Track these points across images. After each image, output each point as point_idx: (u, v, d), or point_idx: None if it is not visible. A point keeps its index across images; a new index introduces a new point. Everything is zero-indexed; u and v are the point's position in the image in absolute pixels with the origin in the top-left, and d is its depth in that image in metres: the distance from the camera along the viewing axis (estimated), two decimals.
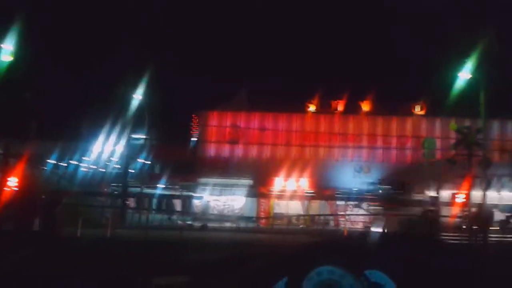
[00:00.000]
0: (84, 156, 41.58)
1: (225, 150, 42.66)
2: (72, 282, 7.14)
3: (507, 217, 27.51)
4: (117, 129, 36.22)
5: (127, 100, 32.26)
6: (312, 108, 43.05)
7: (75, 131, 40.37)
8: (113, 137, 38.73)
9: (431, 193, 31.81)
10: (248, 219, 33.04)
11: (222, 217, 32.90)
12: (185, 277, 3.37)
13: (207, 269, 3.47)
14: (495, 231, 26.31)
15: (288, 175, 37.31)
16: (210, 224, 30.23)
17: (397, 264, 2.73)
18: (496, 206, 29.76)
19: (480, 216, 23.14)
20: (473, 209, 24.08)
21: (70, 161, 40.16)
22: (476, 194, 24.46)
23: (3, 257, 10.50)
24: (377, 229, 30.65)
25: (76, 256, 10.31)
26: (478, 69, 25.00)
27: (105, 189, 37.80)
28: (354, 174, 41.15)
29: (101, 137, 39.36)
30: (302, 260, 2.84)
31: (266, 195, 36.41)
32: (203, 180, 38.15)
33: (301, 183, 37.30)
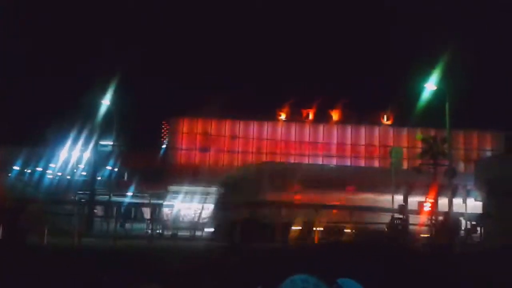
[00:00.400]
0: (50, 163, 40.58)
1: (196, 157, 42.40)
2: None
3: (473, 225, 28.16)
4: (84, 135, 35.58)
5: (95, 105, 31.72)
6: (283, 116, 43.33)
7: (41, 137, 39.42)
8: (80, 143, 38.00)
9: (400, 201, 32.31)
10: None
11: (192, 225, 32.52)
12: (158, 286, 3.32)
13: (179, 279, 3.42)
14: (462, 239, 26.93)
15: None
16: (180, 233, 29.85)
17: (370, 272, 2.76)
18: (462, 214, 30.50)
19: (447, 224, 23.66)
20: (440, 217, 24.60)
21: (36, 168, 39.10)
22: (443, 203, 25.04)
23: None
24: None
25: (43, 265, 10.03)
26: (443, 81, 25.76)
27: (72, 197, 36.93)
28: None
29: (68, 143, 38.55)
30: (276, 268, 2.84)
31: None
32: (173, 187, 37.76)
33: None
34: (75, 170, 41.52)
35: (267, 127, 43.13)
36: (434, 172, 24.76)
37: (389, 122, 43.34)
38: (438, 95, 26.50)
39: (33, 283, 7.68)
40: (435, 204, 24.73)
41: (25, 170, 39.12)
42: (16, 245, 17.30)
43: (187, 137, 42.55)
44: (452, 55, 26.80)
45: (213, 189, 36.70)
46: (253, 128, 42.97)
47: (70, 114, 35.96)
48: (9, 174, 36.10)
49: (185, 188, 36.22)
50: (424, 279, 2.33)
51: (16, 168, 37.80)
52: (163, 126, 45.69)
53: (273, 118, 43.24)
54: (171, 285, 3.36)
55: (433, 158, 25.06)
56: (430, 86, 26.40)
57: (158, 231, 29.95)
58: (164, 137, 45.23)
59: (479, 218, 27.93)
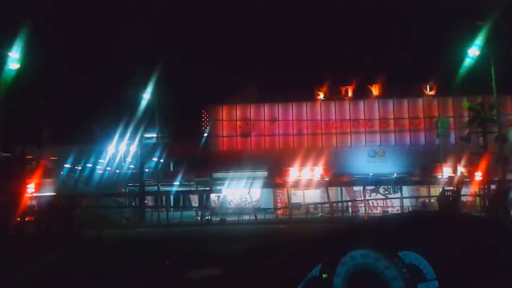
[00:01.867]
0: (99, 158, 41.96)
1: (237, 143, 42.74)
2: (101, 283, 7.23)
3: None
4: (129, 129, 36.51)
5: (137, 100, 32.48)
6: (321, 95, 42.86)
7: (88, 134, 40.71)
8: (126, 138, 39.05)
9: (449, 172, 31.60)
10: (265, 210, 33.10)
11: (239, 210, 33.00)
12: (217, 270, 3.40)
13: (237, 261, 3.50)
14: None
15: (303, 164, 37.26)
16: (229, 218, 30.38)
17: (429, 243, 2.72)
18: None
19: (499, 192, 22.93)
20: (492, 187, 23.88)
21: (86, 164, 40.56)
22: (494, 171, 24.27)
23: (26, 261, 10.68)
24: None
25: (102, 257, 10.46)
26: (487, 45, 24.70)
27: (122, 190, 38.16)
28: (369, 159, 41.02)
29: (114, 138, 39.69)
30: (335, 246, 2.84)
31: (282, 186, 36.43)
32: (218, 174, 38.31)
33: (316, 171, 37.22)
34: (123, 164, 42.76)
35: (306, 108, 42.83)
36: (483, 140, 23.97)
37: (432, 93, 42.01)
38: (482, 61, 25.46)
39: (94, 275, 8.01)
40: (486, 173, 23.96)
41: (76, 168, 40.64)
42: (74, 239, 18.10)
43: (227, 124, 42.89)
44: (495, 16, 25.57)
45: (258, 173, 37.06)
46: (292, 109, 42.78)
47: (114, 110, 36.89)
48: (61, 172, 37.60)
49: (229, 174, 36.67)
50: (482, 248, 2.30)
51: (67, 166, 39.30)
52: (203, 115, 46.09)
53: (312, 98, 42.84)
54: (228, 268, 3.43)
55: (481, 126, 24.23)
56: (474, 51, 25.40)
57: (207, 217, 30.61)
58: (205, 125, 45.68)
59: None
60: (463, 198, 29.15)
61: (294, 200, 36.65)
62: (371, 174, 38.13)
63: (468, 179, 28.83)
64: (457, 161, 31.76)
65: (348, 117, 42.08)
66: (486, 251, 2.70)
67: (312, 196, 36.75)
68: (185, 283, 3.48)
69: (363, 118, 41.91)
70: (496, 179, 23.93)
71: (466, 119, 30.92)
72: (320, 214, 32.84)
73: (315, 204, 35.38)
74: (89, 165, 40.99)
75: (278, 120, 42.36)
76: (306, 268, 2.79)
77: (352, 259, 2.78)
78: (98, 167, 42.22)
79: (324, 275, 2.80)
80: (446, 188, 26.46)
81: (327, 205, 33.72)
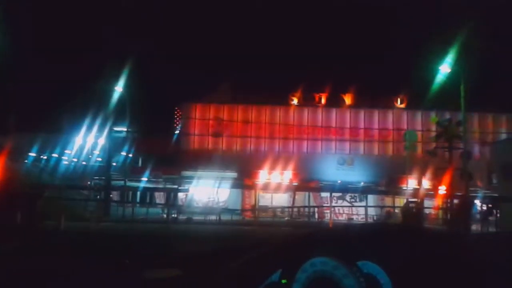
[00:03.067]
0: (65, 149, 41.09)
1: (209, 142, 42.59)
2: (58, 277, 7.07)
3: (489, 208, 28.00)
4: (98, 121, 35.89)
5: (109, 92, 31.95)
6: (295, 100, 43.18)
7: (56, 124, 39.84)
8: (94, 130, 38.37)
9: (414, 184, 32.31)
10: (232, 211, 33.07)
11: (206, 210, 32.85)
12: (177, 270, 3.38)
13: (198, 262, 3.48)
14: (477, 222, 26.85)
15: (273, 168, 37.44)
16: (195, 217, 30.19)
17: (388, 254, 2.78)
18: (476, 197, 30.34)
19: (461, 207, 23.57)
20: (455, 201, 24.51)
21: (52, 154, 39.65)
22: (457, 186, 24.90)
23: None
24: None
25: (61, 250, 10.23)
26: (458, 63, 25.41)
27: (88, 183, 37.45)
28: (338, 167, 41.54)
29: (82, 130, 38.96)
30: (296, 252, 2.87)
31: (250, 188, 36.49)
32: (187, 173, 38.07)
33: (286, 175, 37.46)
34: (90, 156, 42.00)
35: (279, 112, 43.05)
36: (449, 155, 24.58)
37: (403, 106, 42.95)
38: (452, 77, 26.15)
39: (50, 268, 7.84)
40: (449, 187, 24.58)
41: (41, 157, 39.68)
42: (33, 231, 17.63)
43: (200, 123, 42.69)
44: (467, 36, 26.35)
45: (227, 174, 37.01)
46: (266, 112, 42.93)
47: (84, 101, 36.25)
48: (26, 161, 36.65)
49: (199, 173, 36.49)
50: (440, 261, 2.35)
51: (32, 154, 38.34)
52: (176, 112, 45.76)
53: (286, 103, 43.11)
54: (189, 269, 3.41)
55: (448, 141, 24.85)
56: (445, 68, 26.08)
57: (173, 215, 30.35)
58: (177, 122, 45.35)
59: (495, 201, 27.76)
60: (426, 211, 29.86)
61: (262, 202, 36.77)
62: (339, 181, 38.65)
63: (432, 192, 29.54)
64: (422, 174, 32.52)
65: (319, 124, 42.51)
66: (444, 264, 2.78)
67: (280, 199, 36.95)
68: (142, 283, 3.45)
69: (334, 126, 42.42)
70: (459, 193, 24.56)
71: (434, 133, 31.68)
72: (286, 218, 33.02)
73: (282, 207, 35.58)
74: (55, 155, 40.09)
75: (251, 122, 42.43)
76: (266, 273, 2.81)
77: (312, 266, 2.82)
78: (64, 158, 41.35)
79: (283, 281, 2.83)
80: (410, 199, 27.03)
81: (294, 209, 33.95)
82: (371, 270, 2.81)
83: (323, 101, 43.21)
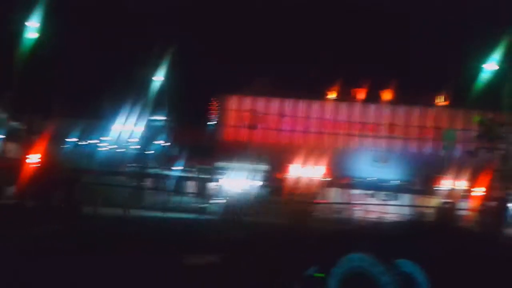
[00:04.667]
0: (104, 135, 42.06)
1: (244, 134, 42.71)
2: (95, 259, 7.28)
3: None
4: (137, 109, 36.55)
5: (149, 81, 32.48)
6: (332, 95, 42.71)
7: (96, 110, 40.77)
8: (133, 118, 39.10)
9: (450, 185, 31.53)
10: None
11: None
12: (215, 256, 3.44)
13: (234, 250, 3.53)
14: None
15: (305, 162, 37.23)
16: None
17: (426, 253, 2.75)
18: None
19: (497, 210, 22.88)
20: (491, 203, 23.79)
21: (91, 140, 40.66)
22: (495, 188, 24.19)
23: (26, 231, 10.76)
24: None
25: (98, 234, 10.53)
26: (505, 60, 24.51)
27: (124, 169, 38.26)
28: (372, 163, 40.91)
29: (121, 117, 39.76)
30: (333, 247, 2.88)
31: (281, 181, 36.44)
32: (220, 163, 38.34)
33: (318, 170, 37.19)
34: (127, 144, 42.87)
35: (315, 106, 42.71)
36: (489, 156, 23.86)
37: (444, 103, 41.76)
38: (498, 76, 25.29)
39: (85, 252, 8.07)
40: (488, 189, 23.89)
41: (80, 143, 40.74)
42: (71, 215, 18.16)
43: (236, 114, 42.84)
44: None
45: (259, 166, 37.06)
46: (302, 106, 42.67)
47: (124, 89, 36.92)
48: (66, 146, 37.74)
49: (232, 164, 36.69)
50: (476, 261, 2.31)
51: (71, 140, 39.41)
52: (212, 103, 46.06)
53: (322, 97, 42.72)
54: (227, 256, 3.47)
55: (490, 141, 24.09)
56: (490, 66, 25.21)
57: (204, 205, 30.66)
58: (214, 113, 45.65)
59: None
60: (461, 212, 29.08)
61: None
62: (373, 178, 38.08)
63: (468, 194, 28.79)
64: (459, 174, 31.67)
65: (356, 119, 41.95)
66: (479, 264, 2.72)
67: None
68: (181, 268, 3.51)
69: (371, 121, 41.77)
70: (496, 196, 23.85)
71: (474, 133, 30.76)
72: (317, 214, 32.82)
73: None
74: (94, 141, 41.08)
75: (287, 116, 42.28)
76: (304, 266, 2.82)
77: (349, 262, 2.81)
78: (103, 144, 42.32)
79: (320, 274, 2.84)
80: (445, 200, 26.40)
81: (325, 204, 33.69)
82: (409, 269, 2.79)
83: (360, 96, 42.58)
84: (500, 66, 24.64)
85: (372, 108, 42.15)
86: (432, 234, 3.01)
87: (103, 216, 18.89)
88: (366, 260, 2.61)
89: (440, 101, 41.70)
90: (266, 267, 2.94)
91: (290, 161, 37.55)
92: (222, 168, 37.37)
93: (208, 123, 43.88)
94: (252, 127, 42.32)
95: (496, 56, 24.37)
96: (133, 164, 38.24)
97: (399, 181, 38.11)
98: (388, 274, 2.65)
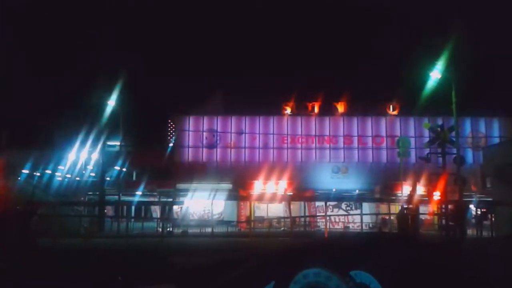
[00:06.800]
0: (58, 165, 40.81)
1: (203, 154, 42.51)
2: None
3: (483, 213, 28.06)
4: (91, 136, 35.75)
5: (101, 107, 31.89)
6: (288, 110, 43.27)
7: (48, 139, 39.62)
8: (88, 145, 38.19)
9: (408, 191, 32.35)
10: (228, 223, 32.94)
11: (202, 223, 32.70)
12: (170, 285, 3.36)
13: (192, 276, 3.45)
14: (472, 227, 26.91)
15: (267, 178, 37.39)
16: (191, 230, 30.06)
17: (381, 263, 2.77)
18: (471, 202, 30.43)
19: (456, 212, 23.58)
20: (449, 206, 24.53)
21: (45, 171, 39.36)
22: (451, 191, 24.96)
23: None
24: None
25: (54, 267, 10.14)
26: (448, 68, 25.59)
27: (82, 198, 37.20)
28: (332, 175, 41.55)
29: (75, 145, 38.76)
30: (288, 263, 2.85)
31: (245, 199, 36.38)
32: (181, 185, 37.92)
33: (280, 185, 37.41)
34: (83, 172, 41.76)
35: (273, 122, 43.11)
36: (442, 161, 24.64)
37: (395, 112, 43.15)
38: (444, 83, 26.33)
39: (45, 285, 7.78)
40: (443, 193, 24.61)
41: (34, 173, 39.35)
42: (29, 248, 17.46)
43: (193, 135, 42.65)
44: (457, 41, 26.59)
45: (222, 186, 36.91)
46: (259, 123, 42.98)
47: (77, 116, 36.10)
48: (19, 178, 36.35)
49: (193, 185, 36.36)
50: (432, 270, 2.34)
51: (25, 171, 38.03)
52: (168, 125, 45.67)
53: (279, 112, 43.20)
54: (183, 283, 3.39)
55: (441, 147, 24.91)
56: (435, 74, 26.26)
57: (168, 229, 30.19)
58: (171, 135, 45.24)
59: (489, 205, 27.83)
60: (422, 217, 29.87)
61: (258, 213, 36.69)
62: (334, 189, 38.66)
63: (426, 198, 29.60)
64: (416, 180, 32.59)
65: (313, 133, 42.58)
66: (436, 272, 2.77)
67: (276, 210, 36.89)
68: None
69: (328, 134, 42.50)
70: (453, 199, 24.60)
71: (427, 139, 31.85)
72: (282, 228, 32.96)
73: (278, 218, 35.50)
74: (48, 171, 39.79)
75: (245, 133, 42.44)
76: (259, 285, 2.79)
77: (305, 277, 2.80)
78: (57, 173, 41.05)
79: None
80: (405, 206, 27.02)
81: (290, 219, 33.86)
82: (364, 280, 2.81)
83: (316, 110, 43.32)
84: (442, 74, 25.67)
85: (327, 120, 42.95)
86: (388, 244, 3.03)
87: (62, 248, 18.26)
88: (322, 275, 2.61)
89: (392, 110, 43.05)
90: None
91: (253, 178, 37.61)
92: (183, 190, 36.95)
93: (166, 145, 43.36)
94: (210, 146, 42.21)
95: (440, 64, 25.40)
96: (91, 192, 37.25)
97: (359, 191, 38.83)
98: (343, 286, 2.66)
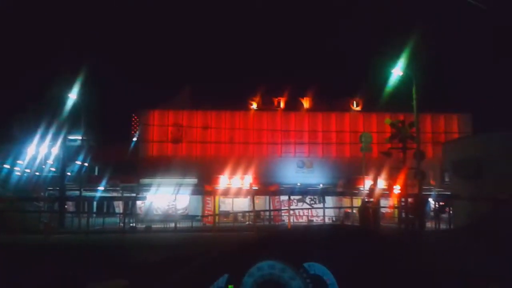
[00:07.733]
0: (18, 159, 39.58)
1: (168, 149, 42.09)
2: None
3: (441, 206, 28.92)
4: (52, 130, 34.80)
5: (62, 100, 31.02)
6: (254, 105, 43.36)
7: (7, 133, 38.34)
8: (48, 139, 37.18)
9: (369, 185, 32.99)
10: (193, 218, 32.77)
11: (166, 218, 32.39)
12: (122, 281, 3.32)
13: (147, 272, 3.42)
14: (431, 220, 27.70)
15: (233, 173, 37.38)
16: (155, 225, 29.72)
17: (335, 255, 2.82)
18: (430, 195, 31.30)
19: (415, 206, 24.18)
20: (409, 199, 25.13)
21: (3, 165, 38.10)
22: (411, 185, 25.57)
23: None
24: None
25: (11, 263, 9.84)
26: (409, 65, 26.19)
27: (42, 193, 36.19)
28: (297, 170, 41.95)
29: (35, 139, 37.66)
30: (243, 256, 2.87)
31: (211, 193, 36.25)
32: (146, 180, 37.43)
33: (246, 180, 37.48)
34: (43, 166, 40.63)
35: (239, 117, 43.10)
36: (402, 156, 25.18)
37: (358, 108, 43.91)
38: (405, 80, 26.92)
39: (3, 281, 7.55)
40: (404, 186, 25.18)
41: None
42: None
43: (158, 129, 42.15)
44: (418, 40, 27.25)
45: (187, 180, 36.63)
46: (225, 118, 42.88)
47: (37, 109, 35.06)
48: None
49: (157, 180, 35.95)
50: (393, 262, 2.40)
51: None
52: (133, 119, 44.98)
53: (245, 107, 43.24)
54: (136, 279, 3.36)
55: (402, 142, 25.45)
56: (397, 71, 26.83)
57: (131, 225, 29.78)
58: (135, 130, 44.55)
59: (447, 199, 28.71)
60: (383, 210, 30.53)
61: (223, 208, 36.65)
62: (299, 184, 39.00)
63: (387, 192, 30.25)
64: (378, 175, 33.28)
65: (279, 128, 42.82)
66: (389, 264, 2.84)
67: (241, 204, 36.93)
68: None
69: (292, 129, 42.84)
70: (413, 192, 25.23)
71: (388, 135, 32.56)
72: (247, 223, 33.02)
73: (243, 212, 35.57)
74: (6, 166, 38.53)
75: (211, 128, 42.25)
76: (212, 278, 2.79)
77: (259, 270, 2.82)
78: (16, 168, 39.81)
79: (230, 286, 2.82)
80: (366, 199, 27.55)
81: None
82: (317, 271, 2.85)
83: (282, 105, 43.58)
84: (404, 72, 26.27)
85: (293, 116, 43.28)
86: (344, 236, 3.09)
87: (21, 244, 17.74)
88: (276, 267, 2.64)
89: (355, 106, 43.78)
90: (175, 284, 2.86)
91: (218, 172, 37.50)
92: (147, 185, 36.47)
93: (130, 139, 42.69)
94: (176, 141, 41.82)
95: (401, 61, 25.98)
96: (51, 188, 36.28)
97: (323, 185, 39.36)
98: (298, 278, 2.70)
